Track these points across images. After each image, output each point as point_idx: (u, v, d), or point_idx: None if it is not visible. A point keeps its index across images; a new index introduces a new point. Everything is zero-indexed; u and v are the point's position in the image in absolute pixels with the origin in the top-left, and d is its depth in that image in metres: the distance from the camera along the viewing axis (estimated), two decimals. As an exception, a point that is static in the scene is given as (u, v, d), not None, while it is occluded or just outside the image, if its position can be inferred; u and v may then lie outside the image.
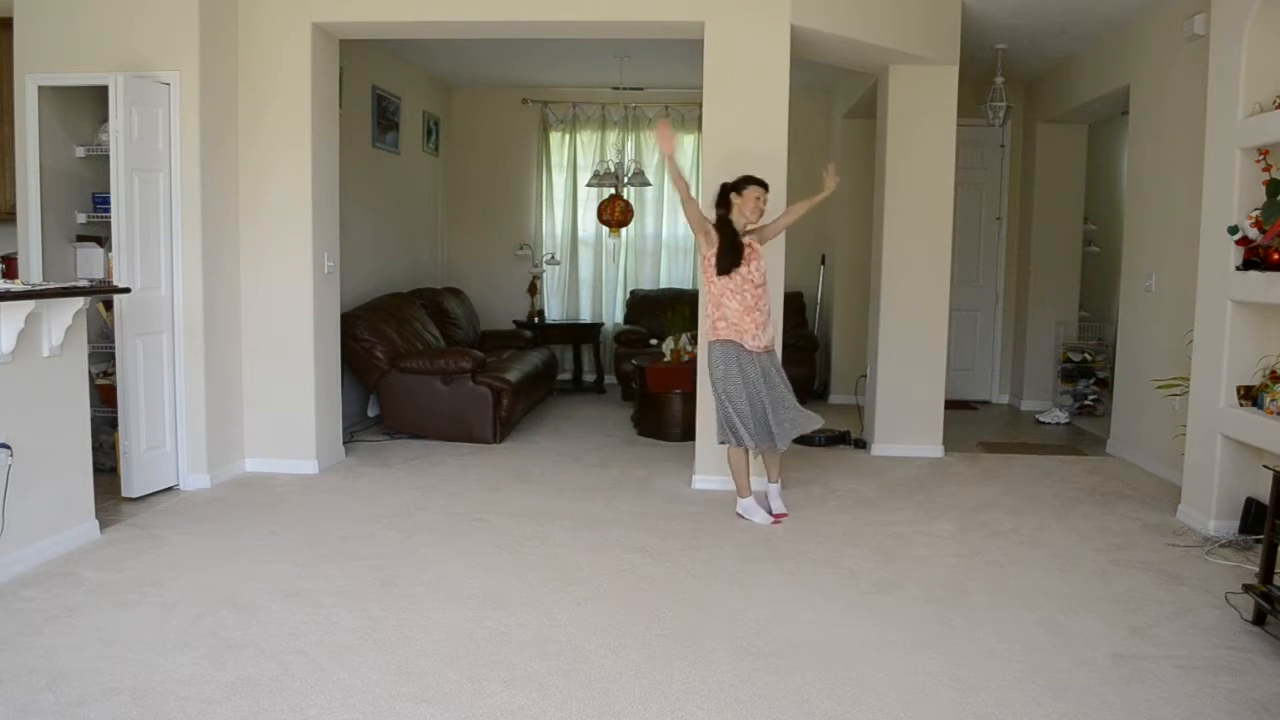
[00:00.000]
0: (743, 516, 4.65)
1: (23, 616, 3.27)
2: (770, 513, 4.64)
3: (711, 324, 4.62)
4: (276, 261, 5.31)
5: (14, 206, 5.02)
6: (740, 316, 4.52)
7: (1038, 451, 6.36)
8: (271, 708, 2.68)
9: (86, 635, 3.13)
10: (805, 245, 8.62)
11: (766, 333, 4.60)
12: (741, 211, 4.59)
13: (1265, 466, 3.69)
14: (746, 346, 4.52)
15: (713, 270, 4.56)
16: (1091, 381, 7.75)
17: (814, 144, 8.72)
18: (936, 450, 6.11)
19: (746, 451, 4.64)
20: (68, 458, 3.98)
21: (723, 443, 4.68)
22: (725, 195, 4.63)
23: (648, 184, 8.58)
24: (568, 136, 9.07)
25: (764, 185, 4.64)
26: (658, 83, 8.63)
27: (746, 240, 4.59)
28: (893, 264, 6.08)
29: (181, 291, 4.95)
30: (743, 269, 4.53)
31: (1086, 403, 7.69)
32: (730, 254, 4.53)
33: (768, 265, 4.69)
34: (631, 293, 9.06)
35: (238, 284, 5.31)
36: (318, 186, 5.34)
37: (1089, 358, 7.76)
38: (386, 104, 7.38)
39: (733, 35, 5.09)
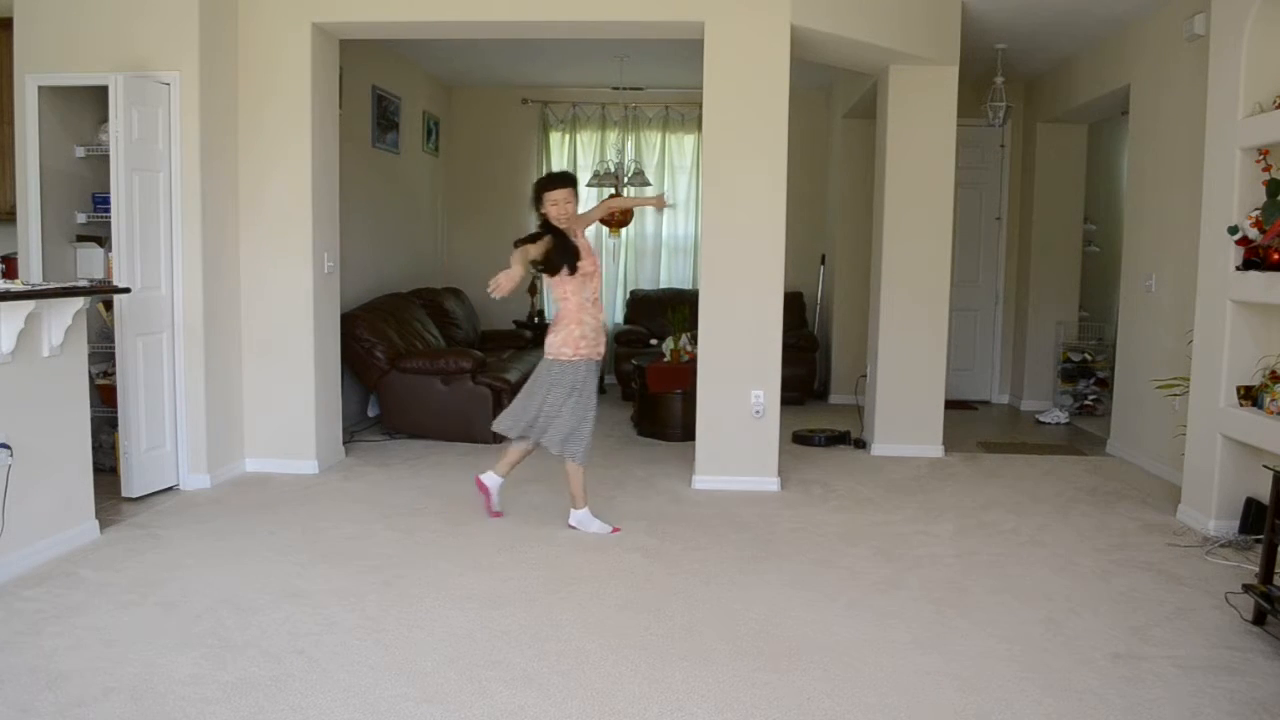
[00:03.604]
0: (576, 528, 4.43)
1: (23, 616, 3.27)
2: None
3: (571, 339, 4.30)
4: (276, 261, 5.30)
5: (14, 206, 5.02)
6: (596, 331, 4.34)
7: (1038, 451, 6.36)
8: (271, 708, 2.68)
9: (86, 635, 3.13)
10: (805, 245, 8.63)
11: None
12: (550, 219, 4.30)
13: (1265, 466, 3.69)
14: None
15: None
16: (1091, 381, 7.75)
17: (814, 144, 8.73)
18: (936, 450, 6.11)
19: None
20: (68, 458, 3.98)
21: (574, 459, 4.36)
22: (536, 201, 4.35)
23: (648, 184, 8.58)
24: (568, 136, 9.07)
25: (562, 184, 4.29)
26: (658, 83, 8.63)
27: (582, 244, 4.34)
28: (893, 264, 6.08)
29: (181, 291, 4.94)
30: (583, 277, 4.31)
31: (1086, 403, 7.69)
32: (563, 255, 4.25)
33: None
34: (631, 293, 9.06)
35: (238, 284, 5.31)
36: (318, 186, 5.34)
37: (1089, 358, 7.76)
38: (386, 104, 7.38)
39: (733, 35, 5.09)
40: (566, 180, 4.35)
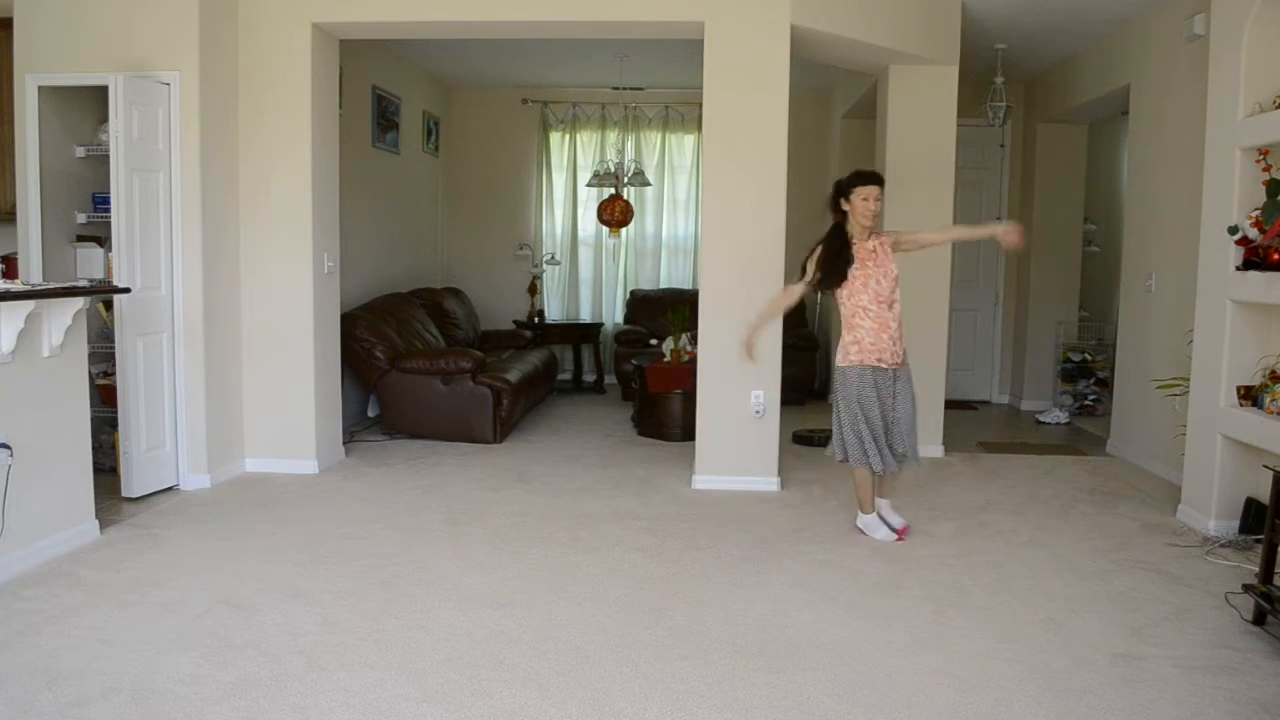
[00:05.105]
0: (863, 532, 4.40)
1: (23, 616, 3.27)
2: (892, 528, 4.40)
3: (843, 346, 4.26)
4: (276, 261, 5.30)
5: (14, 206, 5.02)
6: (876, 335, 4.19)
7: (1038, 451, 6.36)
8: (271, 708, 2.68)
9: (86, 635, 3.13)
10: (805, 245, 8.61)
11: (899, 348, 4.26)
12: (853, 217, 4.23)
13: (1265, 466, 3.69)
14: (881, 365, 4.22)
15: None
16: (1091, 381, 7.75)
17: (814, 144, 8.73)
18: (936, 450, 6.11)
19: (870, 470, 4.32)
20: (68, 458, 3.98)
21: (843, 461, 4.35)
22: (837, 198, 4.27)
23: (648, 184, 8.58)
24: (568, 136, 9.07)
25: (875, 182, 4.22)
26: (658, 83, 8.63)
27: (870, 246, 4.22)
28: (893, 264, 6.07)
29: (181, 291, 4.94)
30: (860, 281, 4.19)
31: (1086, 403, 7.69)
32: (831, 266, 4.21)
33: (897, 272, 4.24)
34: (631, 293, 9.06)
35: (238, 284, 5.31)
36: (318, 186, 5.34)
37: (1089, 358, 7.76)
38: (386, 104, 7.38)
39: (733, 35, 5.09)
40: (880, 179, 4.26)
